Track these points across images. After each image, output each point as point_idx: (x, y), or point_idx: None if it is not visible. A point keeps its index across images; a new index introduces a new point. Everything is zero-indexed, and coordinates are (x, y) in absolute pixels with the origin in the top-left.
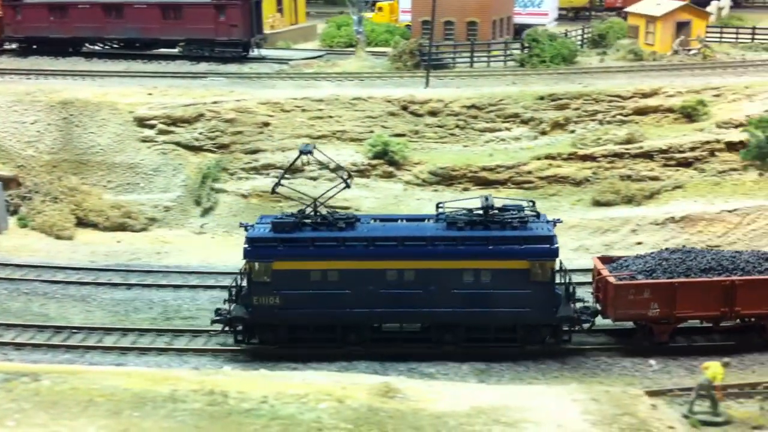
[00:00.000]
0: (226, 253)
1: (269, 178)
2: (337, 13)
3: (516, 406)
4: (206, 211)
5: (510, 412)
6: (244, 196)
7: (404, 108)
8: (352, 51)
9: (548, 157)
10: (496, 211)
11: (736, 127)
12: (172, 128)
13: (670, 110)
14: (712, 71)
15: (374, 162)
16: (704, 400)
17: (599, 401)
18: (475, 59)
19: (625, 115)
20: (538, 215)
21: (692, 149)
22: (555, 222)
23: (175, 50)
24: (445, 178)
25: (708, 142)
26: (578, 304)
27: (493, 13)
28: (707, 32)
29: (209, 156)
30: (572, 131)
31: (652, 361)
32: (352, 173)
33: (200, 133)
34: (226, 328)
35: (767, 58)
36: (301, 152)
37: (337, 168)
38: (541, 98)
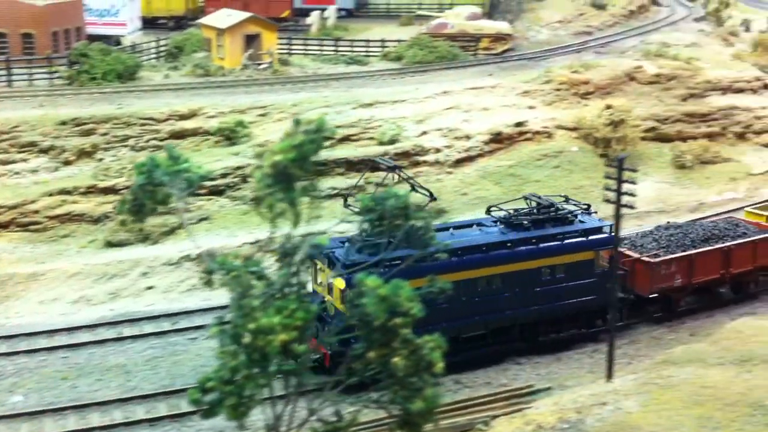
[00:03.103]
0: None
1: None
2: None
3: None
4: None
5: None
6: None
7: None
8: None
9: (63, 191)
10: (555, 209)
11: None
12: None
13: (210, 133)
14: (270, 88)
15: None
16: None
17: None
18: (16, 77)
19: (161, 140)
20: (588, 207)
21: (224, 175)
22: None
23: None
24: None
25: (241, 167)
26: None
27: (52, 23)
28: (281, 43)
29: None
30: (101, 159)
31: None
32: None
33: None
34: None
35: (341, 72)
36: (389, 168)
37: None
38: (64, 123)
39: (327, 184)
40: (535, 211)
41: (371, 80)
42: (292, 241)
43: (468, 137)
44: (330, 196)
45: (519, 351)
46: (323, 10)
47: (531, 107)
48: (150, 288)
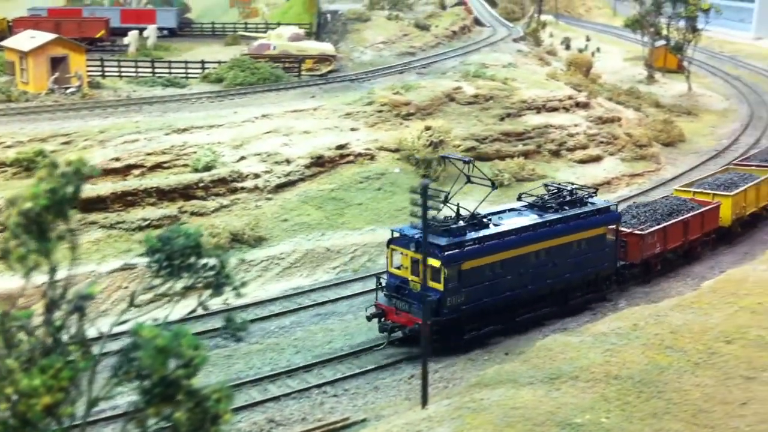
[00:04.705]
0: None
1: None
2: None
3: None
4: None
5: None
6: None
7: None
8: None
9: None
10: (573, 194)
11: None
12: None
13: (5, 164)
14: (77, 113)
15: None
16: None
17: None
18: None
19: None
20: (596, 191)
21: None
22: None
23: None
24: None
25: None
26: None
27: None
28: (93, 65)
29: None
30: None
31: None
32: None
33: None
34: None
35: (157, 95)
36: (464, 162)
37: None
38: None
39: (138, 215)
40: (561, 195)
41: (188, 104)
42: (56, 291)
43: (288, 161)
44: (140, 228)
45: (332, 382)
46: (142, 29)
47: (354, 129)
48: None
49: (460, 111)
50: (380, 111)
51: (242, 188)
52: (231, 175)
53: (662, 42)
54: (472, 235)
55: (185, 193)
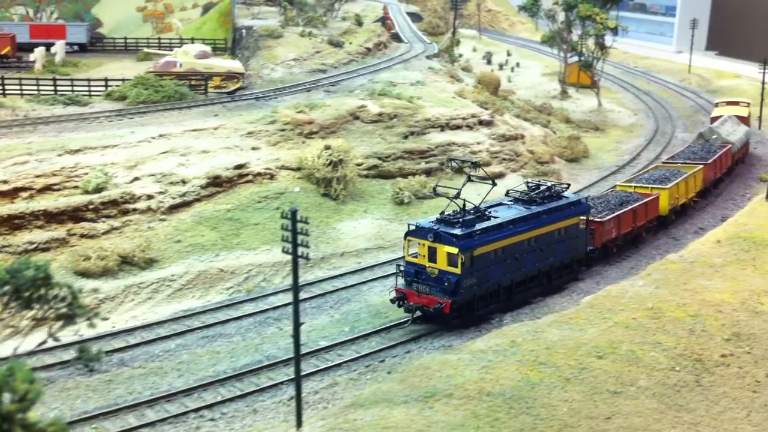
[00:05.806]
0: None
1: None
2: None
3: None
4: None
5: None
6: None
7: None
8: None
9: None
10: (551, 189)
11: None
12: None
13: None
14: None
15: None
16: None
17: None
18: None
19: None
20: (568, 186)
21: None
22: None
23: None
24: None
25: None
26: None
27: None
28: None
29: None
30: None
31: None
32: None
33: None
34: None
35: (55, 114)
36: (472, 163)
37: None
38: None
39: (24, 238)
40: (544, 191)
41: (85, 123)
42: None
43: (184, 182)
44: (27, 251)
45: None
46: (52, 45)
47: (255, 148)
48: None
49: (364, 129)
50: (283, 130)
51: (135, 210)
52: (123, 196)
53: (576, 58)
54: (480, 225)
55: (75, 215)
